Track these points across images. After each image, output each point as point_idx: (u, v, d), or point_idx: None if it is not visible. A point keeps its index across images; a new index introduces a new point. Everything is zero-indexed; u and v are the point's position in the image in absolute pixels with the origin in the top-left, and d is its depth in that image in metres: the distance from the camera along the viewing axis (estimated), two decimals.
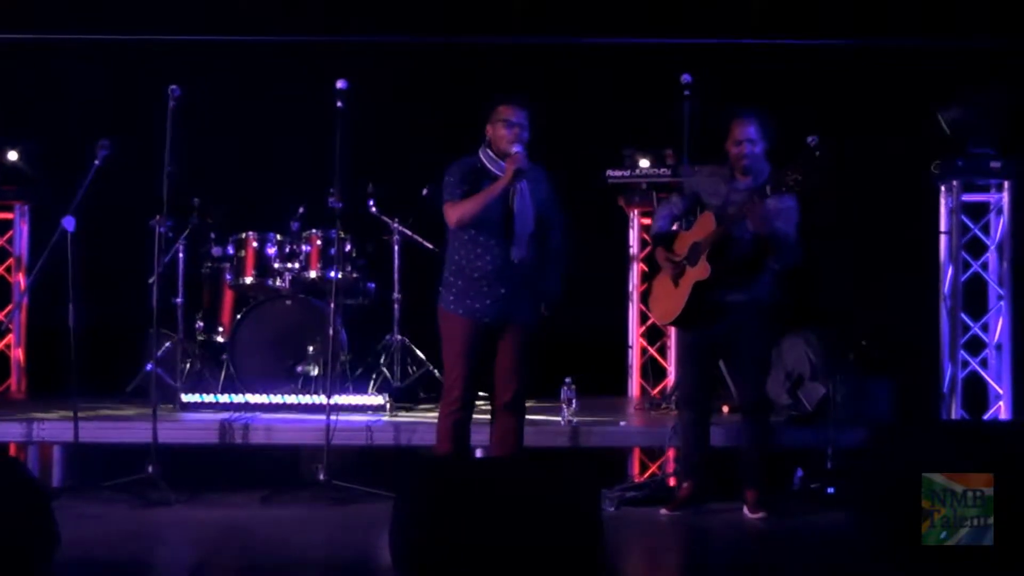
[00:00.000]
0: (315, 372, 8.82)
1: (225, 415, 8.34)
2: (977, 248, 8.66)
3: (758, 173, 7.23)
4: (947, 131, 8.52)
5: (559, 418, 8.28)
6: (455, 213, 7.03)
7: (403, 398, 8.97)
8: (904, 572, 5.98)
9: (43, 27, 9.68)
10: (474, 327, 7.02)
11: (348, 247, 9.19)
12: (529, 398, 8.67)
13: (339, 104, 7.91)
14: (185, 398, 8.69)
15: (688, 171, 8.22)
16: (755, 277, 7.24)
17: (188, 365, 9.23)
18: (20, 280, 9.76)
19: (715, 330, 7.31)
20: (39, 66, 9.96)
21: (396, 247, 9.44)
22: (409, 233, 9.43)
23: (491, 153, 7.07)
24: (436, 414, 7.22)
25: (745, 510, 7.35)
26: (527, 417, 8.31)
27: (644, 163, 9.30)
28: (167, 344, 9.12)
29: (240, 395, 8.68)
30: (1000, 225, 8.61)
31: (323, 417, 7.79)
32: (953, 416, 8.43)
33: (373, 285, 9.52)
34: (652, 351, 9.61)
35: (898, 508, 6.04)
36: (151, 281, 8.07)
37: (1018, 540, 5.85)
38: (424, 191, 9.14)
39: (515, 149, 6.95)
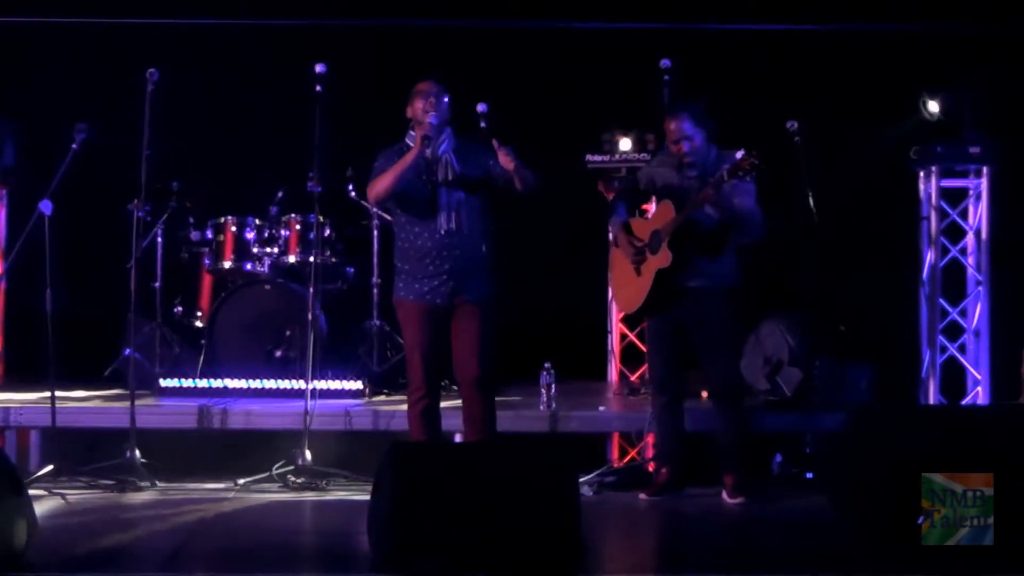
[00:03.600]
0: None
1: (204, 400, 8.31)
2: (956, 234, 8.69)
3: (704, 161, 7.29)
4: (930, 118, 8.54)
5: (538, 403, 8.28)
6: (371, 190, 7.15)
7: (382, 383, 8.96)
8: (884, 553, 6.01)
9: (19, 10, 9.62)
10: (426, 311, 7.06)
11: (327, 232, 9.17)
12: (508, 383, 8.70)
13: (318, 88, 7.89)
14: (163, 383, 8.66)
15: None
16: (717, 261, 7.29)
17: (167, 350, 9.20)
18: None
19: (681, 314, 7.33)
20: (15, 49, 9.90)
21: (375, 232, 9.42)
22: (388, 218, 9.38)
23: (414, 133, 7.11)
24: None
25: (724, 495, 7.37)
26: (506, 401, 8.35)
27: (624, 147, 9.28)
28: (145, 329, 9.08)
29: (219, 380, 8.65)
30: (979, 211, 8.64)
31: (302, 402, 7.79)
32: (931, 401, 8.45)
33: (352, 270, 9.50)
34: (632, 336, 9.60)
35: (876, 492, 6.06)
36: (129, 265, 8.05)
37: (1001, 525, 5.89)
38: (348, 171, 9.19)
39: (431, 120, 7.01)
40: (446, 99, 7.10)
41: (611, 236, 7.63)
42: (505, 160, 6.93)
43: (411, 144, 7.08)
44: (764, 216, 7.26)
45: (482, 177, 7.10)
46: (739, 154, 7.02)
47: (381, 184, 7.07)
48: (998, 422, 6.38)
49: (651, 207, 7.77)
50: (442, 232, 6.99)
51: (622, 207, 7.61)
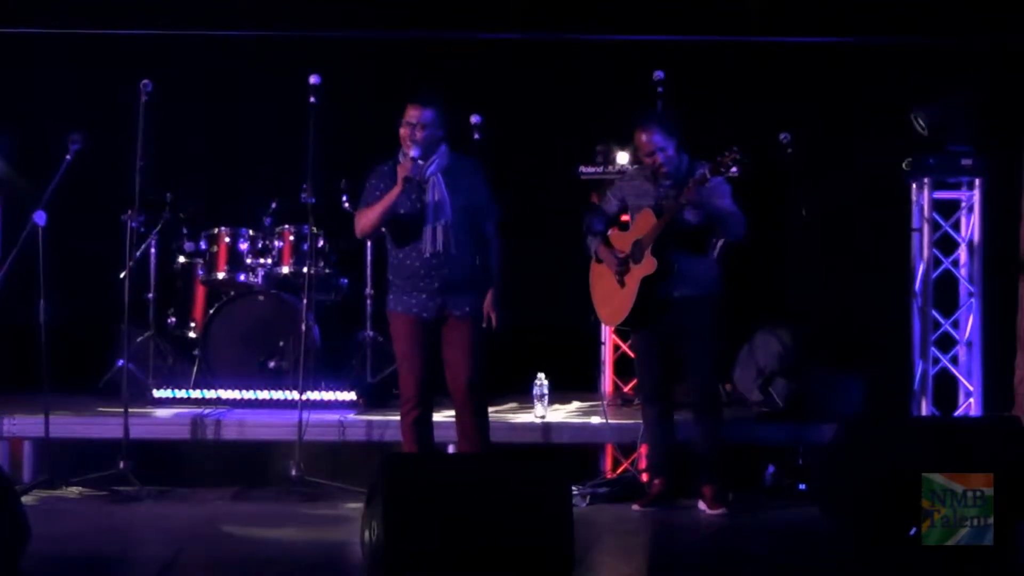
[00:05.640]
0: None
1: (197, 410, 8.31)
2: (948, 245, 8.69)
3: (677, 170, 7.33)
4: (920, 131, 8.55)
5: (531, 414, 8.30)
6: (357, 225, 7.22)
7: (375, 394, 8.95)
8: (876, 564, 6.02)
9: (13, 21, 9.62)
10: (415, 324, 7.08)
11: (321, 243, 9.16)
12: (501, 394, 8.71)
13: (312, 99, 7.91)
14: (157, 393, 8.66)
15: None
16: (701, 266, 7.34)
17: (160, 360, 9.19)
18: None
19: (667, 326, 7.35)
20: (9, 59, 9.89)
21: (369, 243, 9.42)
22: (382, 229, 9.40)
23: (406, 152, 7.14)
24: None
25: (702, 506, 7.38)
26: (500, 413, 8.36)
27: (622, 160, 9.28)
28: (139, 339, 9.08)
29: (212, 390, 8.65)
30: (971, 222, 8.63)
31: (295, 413, 7.79)
32: (924, 412, 8.45)
33: (346, 281, 9.50)
34: (624, 347, 9.60)
35: (869, 503, 6.07)
36: (123, 276, 8.05)
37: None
38: (342, 183, 9.20)
39: (412, 154, 6.99)
40: (431, 123, 7.04)
41: (591, 252, 7.65)
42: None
43: (401, 162, 7.10)
44: (743, 216, 7.30)
45: (471, 197, 7.12)
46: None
47: (364, 222, 7.14)
48: (991, 433, 6.39)
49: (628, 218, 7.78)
50: (428, 254, 7.01)
51: (598, 222, 7.65)
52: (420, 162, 7.00)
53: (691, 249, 7.31)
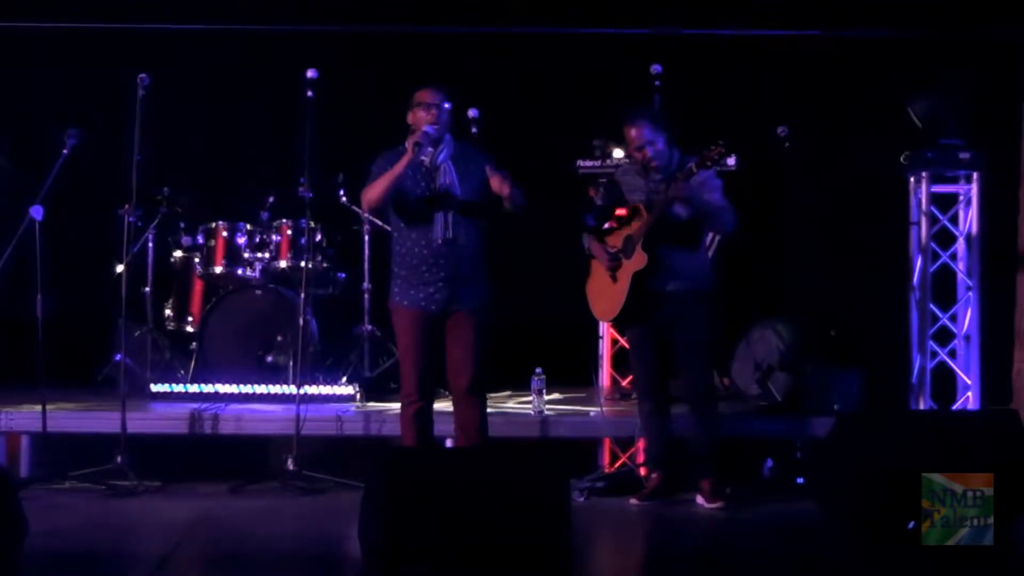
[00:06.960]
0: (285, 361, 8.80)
1: (194, 405, 8.31)
2: (946, 239, 8.69)
3: (668, 164, 7.33)
4: (917, 124, 8.55)
5: (529, 408, 8.29)
6: (364, 197, 7.12)
7: (373, 388, 8.95)
8: (873, 559, 6.02)
9: (9, 15, 9.61)
10: (420, 317, 7.05)
11: (318, 237, 9.16)
12: (499, 388, 8.71)
13: (309, 93, 7.90)
14: (154, 388, 8.66)
15: None
16: (693, 260, 7.33)
17: (157, 355, 9.19)
18: None
19: (659, 321, 7.35)
20: (7, 55, 9.88)
21: (366, 237, 9.41)
22: (379, 223, 9.39)
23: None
24: None
25: (700, 500, 7.37)
26: (498, 407, 8.36)
27: (619, 154, 9.28)
28: (136, 334, 9.08)
29: (210, 385, 8.65)
30: (969, 216, 8.64)
31: (293, 407, 7.79)
32: (922, 406, 8.46)
33: (343, 275, 9.50)
34: (623, 341, 9.61)
35: (866, 497, 6.08)
36: (120, 270, 8.04)
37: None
38: (339, 177, 9.19)
39: (426, 128, 6.98)
40: (447, 108, 7.07)
41: (585, 247, 7.65)
42: (499, 186, 6.95)
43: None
44: (734, 209, 7.30)
45: (480, 186, 7.11)
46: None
47: (373, 192, 7.05)
48: (989, 427, 6.40)
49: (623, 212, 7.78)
50: (439, 241, 6.99)
51: (591, 218, 7.65)
52: (432, 134, 6.98)
53: (682, 243, 7.29)
